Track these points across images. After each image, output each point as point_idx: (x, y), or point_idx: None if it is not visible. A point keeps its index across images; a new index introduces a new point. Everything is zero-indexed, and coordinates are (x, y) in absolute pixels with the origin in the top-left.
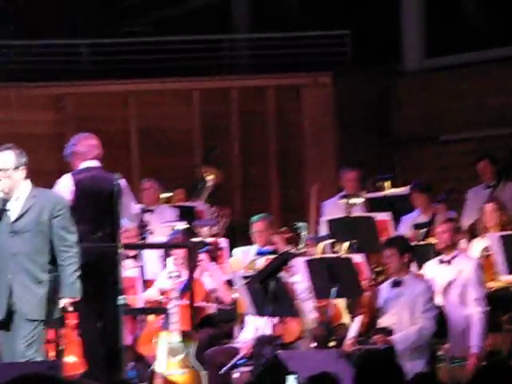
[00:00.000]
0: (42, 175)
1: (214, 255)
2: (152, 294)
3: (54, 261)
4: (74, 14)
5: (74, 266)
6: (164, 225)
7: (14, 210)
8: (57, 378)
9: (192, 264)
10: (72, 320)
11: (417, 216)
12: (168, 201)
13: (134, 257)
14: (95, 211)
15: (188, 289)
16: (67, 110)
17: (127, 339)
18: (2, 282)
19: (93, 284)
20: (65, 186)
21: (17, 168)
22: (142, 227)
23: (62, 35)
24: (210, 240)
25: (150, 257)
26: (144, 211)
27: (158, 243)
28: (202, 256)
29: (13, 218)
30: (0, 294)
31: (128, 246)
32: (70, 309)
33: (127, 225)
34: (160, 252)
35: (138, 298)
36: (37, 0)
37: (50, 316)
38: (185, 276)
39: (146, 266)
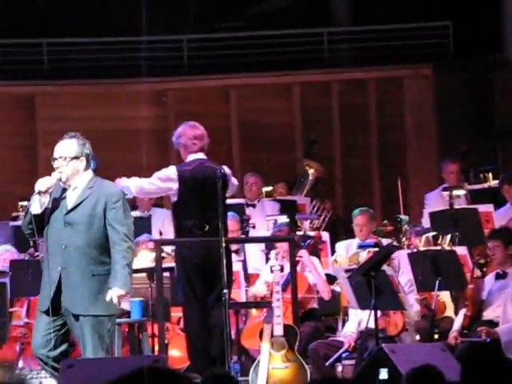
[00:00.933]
0: (144, 170)
1: (316, 249)
2: (259, 288)
3: (108, 254)
4: (175, 10)
5: (126, 260)
6: (266, 219)
7: (69, 200)
8: (176, 372)
9: (294, 258)
10: (176, 314)
11: (507, 209)
12: (269, 195)
13: (236, 251)
14: (201, 205)
15: (290, 283)
16: (168, 106)
17: (231, 333)
18: (52, 273)
19: (199, 278)
20: (167, 175)
21: (77, 157)
22: (244, 221)
23: (163, 31)
24: (311, 233)
25: (252, 251)
26: (246, 205)
27: (260, 237)
28: (302, 252)
29: (67, 209)
30: (47, 286)
31: (231, 240)
32: (121, 303)
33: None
34: (262, 246)
35: (241, 292)
36: None
37: (107, 310)
38: (287, 269)
39: (248, 260)
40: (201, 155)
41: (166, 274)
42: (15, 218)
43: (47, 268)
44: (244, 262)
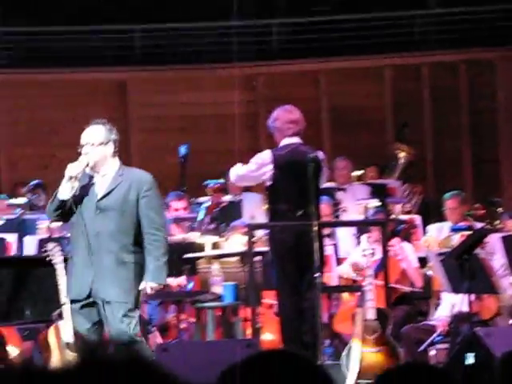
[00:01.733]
0: (235, 155)
1: (408, 233)
2: (345, 269)
3: (138, 243)
4: None
5: (161, 250)
6: (357, 203)
7: (100, 187)
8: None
9: (386, 242)
10: (269, 298)
11: None
12: (360, 179)
13: (328, 235)
14: (295, 189)
15: (382, 267)
16: (258, 90)
17: (323, 317)
18: (85, 260)
19: (292, 262)
20: (263, 159)
21: (105, 143)
22: (335, 205)
23: (251, 15)
24: (403, 217)
25: (344, 235)
26: (337, 189)
27: (351, 221)
28: (394, 241)
29: (99, 196)
30: (82, 274)
31: (323, 224)
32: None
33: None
34: (353, 230)
35: (333, 276)
36: None
37: (134, 300)
38: (379, 254)
39: (340, 244)
40: (296, 139)
41: (259, 257)
42: None
43: (81, 255)
44: (335, 245)
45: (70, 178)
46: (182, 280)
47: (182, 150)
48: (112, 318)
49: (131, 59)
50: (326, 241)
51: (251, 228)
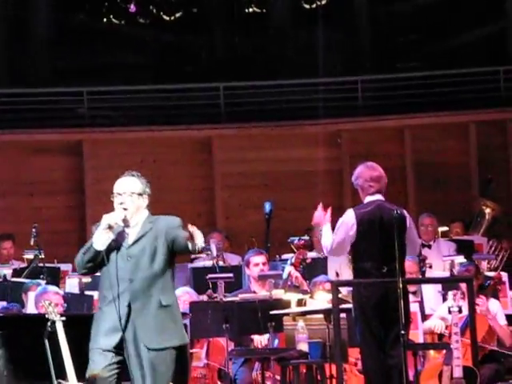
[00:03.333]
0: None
1: (496, 290)
2: (437, 322)
3: (171, 287)
4: (351, 52)
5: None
6: (442, 259)
7: (130, 235)
8: None
9: (473, 298)
10: (354, 355)
11: None
12: (445, 235)
13: (414, 292)
14: (380, 246)
15: (469, 324)
16: (343, 147)
17: (409, 375)
18: (120, 309)
19: (376, 319)
20: (347, 221)
21: (141, 195)
22: (421, 262)
23: (337, 72)
24: (490, 274)
25: (429, 292)
26: (422, 246)
27: (437, 277)
28: (480, 300)
29: (129, 243)
30: (112, 322)
31: (408, 281)
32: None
33: (408, 260)
34: (439, 287)
35: (419, 333)
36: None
37: (181, 339)
38: (466, 311)
39: (425, 301)
40: (378, 196)
41: (343, 315)
42: (193, 260)
43: (113, 306)
44: (421, 302)
45: (109, 227)
46: (266, 337)
47: (267, 206)
48: (146, 364)
49: (216, 117)
50: (412, 298)
51: (336, 285)
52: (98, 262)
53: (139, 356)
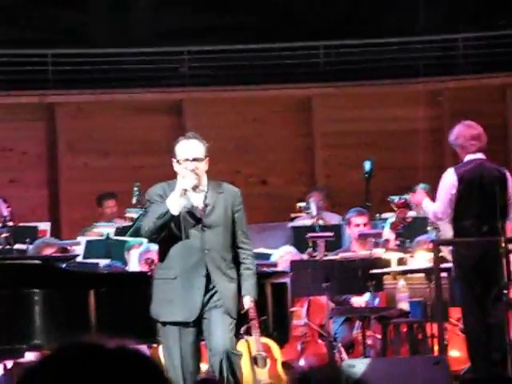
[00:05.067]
0: (419, 171)
1: None
2: None
3: (233, 257)
4: (451, 8)
5: (254, 266)
6: None
7: (199, 202)
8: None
9: None
10: (455, 315)
11: None
12: None
13: None
14: (480, 205)
15: None
16: (444, 106)
17: (511, 333)
18: (196, 280)
19: (477, 279)
20: (448, 181)
21: (205, 159)
22: None
23: (437, 30)
24: None
25: None
26: None
27: None
28: None
29: (201, 211)
30: (192, 295)
31: (510, 240)
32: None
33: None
34: None
35: None
36: None
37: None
38: None
39: None
40: (479, 155)
41: (445, 274)
42: (294, 219)
43: (187, 275)
44: None
45: (185, 191)
46: (366, 298)
47: (367, 165)
48: (221, 331)
49: (316, 75)
50: None
51: (437, 244)
52: (167, 228)
53: (221, 320)
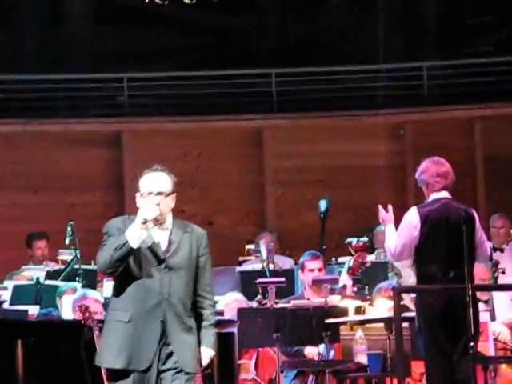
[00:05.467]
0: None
1: None
2: (497, 328)
3: (193, 305)
4: (414, 36)
5: (214, 317)
6: None
7: (162, 240)
8: None
9: None
10: (417, 369)
11: None
12: None
13: (486, 301)
14: (446, 248)
15: None
16: (406, 140)
17: None
18: (151, 326)
19: (442, 330)
20: (410, 221)
21: (172, 194)
22: (493, 266)
23: (399, 58)
24: None
25: (501, 300)
26: (494, 250)
27: (511, 284)
28: None
29: (165, 251)
30: (146, 340)
31: (477, 288)
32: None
33: (480, 265)
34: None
35: (489, 345)
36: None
37: (197, 368)
38: None
39: (497, 310)
40: (444, 193)
41: (406, 324)
42: (242, 263)
43: (142, 318)
44: (492, 312)
45: (145, 222)
46: (321, 349)
47: (322, 204)
48: None
49: (268, 106)
50: (482, 306)
51: (398, 291)
52: (125, 262)
53: (170, 378)
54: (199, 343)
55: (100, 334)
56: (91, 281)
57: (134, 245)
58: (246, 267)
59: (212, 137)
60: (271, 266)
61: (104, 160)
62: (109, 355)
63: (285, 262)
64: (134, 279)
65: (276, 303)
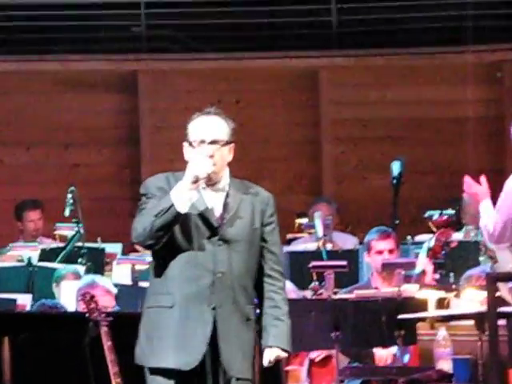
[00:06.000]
0: (470, 172)
1: None
2: None
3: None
4: None
5: (287, 305)
6: None
7: (216, 205)
8: None
9: None
10: None
11: None
12: None
13: None
14: None
15: None
16: (504, 84)
17: None
18: (198, 313)
19: None
20: None
21: (229, 143)
22: None
23: None
24: None
25: None
26: None
27: None
28: None
29: (217, 218)
30: (193, 333)
31: None
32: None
33: None
34: None
35: None
36: None
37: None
38: None
39: None
40: None
41: (502, 321)
42: (291, 241)
43: (188, 305)
44: None
45: (196, 180)
46: (393, 351)
47: (395, 167)
48: None
49: (326, 42)
50: None
51: (493, 279)
52: (169, 232)
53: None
54: (260, 338)
55: (108, 331)
56: (98, 263)
57: (182, 209)
58: (296, 247)
59: (253, 79)
60: (329, 246)
61: (115, 108)
62: (148, 350)
63: (346, 241)
64: (180, 254)
65: (335, 293)
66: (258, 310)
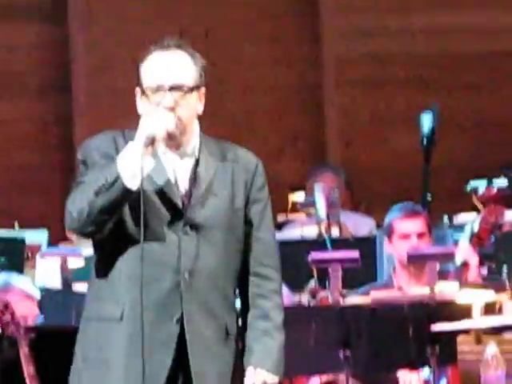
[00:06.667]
0: None
1: None
2: None
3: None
4: None
5: (282, 312)
6: None
7: (182, 178)
8: None
9: None
10: None
11: None
12: None
13: None
14: None
15: None
16: None
17: None
18: (156, 329)
19: None
20: None
21: (197, 88)
22: None
23: None
24: None
25: None
26: None
27: None
28: None
29: (183, 194)
30: (150, 352)
31: None
32: None
33: None
34: None
35: None
36: None
37: None
38: None
39: None
40: None
41: None
42: (283, 225)
43: (138, 320)
44: None
45: (152, 142)
46: (425, 375)
47: (426, 121)
48: None
49: None
50: None
51: None
52: (116, 216)
53: None
54: (242, 357)
55: (29, 352)
56: (14, 257)
57: (132, 184)
58: (289, 233)
59: (229, 3)
60: (335, 232)
61: (37, 42)
62: (87, 376)
63: (359, 224)
64: (131, 246)
65: (344, 296)
66: (241, 322)
